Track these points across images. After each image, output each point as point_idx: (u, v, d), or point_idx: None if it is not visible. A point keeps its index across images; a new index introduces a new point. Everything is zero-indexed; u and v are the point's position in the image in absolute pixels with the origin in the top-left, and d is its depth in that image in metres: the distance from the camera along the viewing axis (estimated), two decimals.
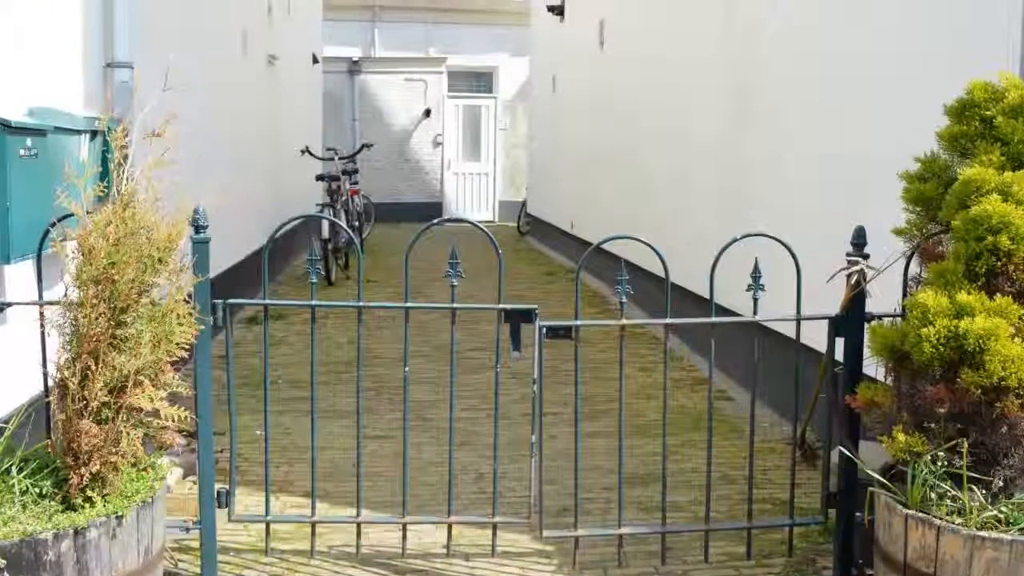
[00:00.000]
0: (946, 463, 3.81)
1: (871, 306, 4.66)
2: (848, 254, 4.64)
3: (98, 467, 3.79)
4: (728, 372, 8.09)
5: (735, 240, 4.69)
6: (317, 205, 14.19)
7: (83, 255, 3.88)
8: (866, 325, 4.56)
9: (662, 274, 4.77)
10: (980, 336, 3.69)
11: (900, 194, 4.41)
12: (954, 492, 3.79)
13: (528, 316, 4.78)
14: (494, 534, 4.96)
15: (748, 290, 4.77)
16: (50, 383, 4.11)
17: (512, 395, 6.89)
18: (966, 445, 3.78)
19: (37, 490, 3.81)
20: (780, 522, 5.17)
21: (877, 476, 4.04)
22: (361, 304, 4.88)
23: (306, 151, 15.21)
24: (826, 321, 4.79)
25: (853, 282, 4.62)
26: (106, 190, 4.18)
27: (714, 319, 4.85)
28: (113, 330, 3.84)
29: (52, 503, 3.78)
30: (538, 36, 19.00)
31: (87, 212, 3.96)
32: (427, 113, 24.00)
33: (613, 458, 5.05)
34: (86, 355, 3.80)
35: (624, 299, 4.78)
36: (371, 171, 21.87)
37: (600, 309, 11.47)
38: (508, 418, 5.30)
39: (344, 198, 14.43)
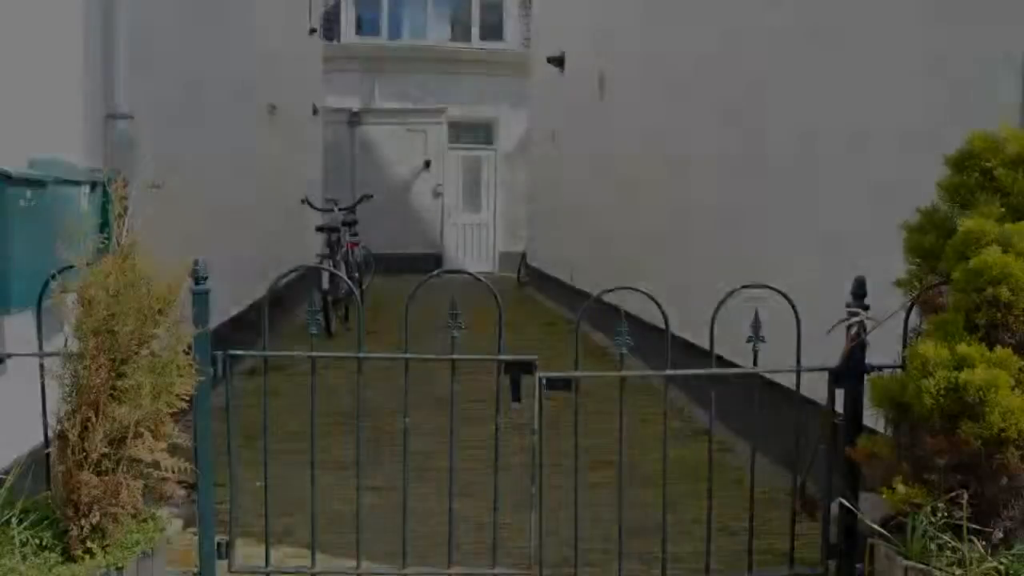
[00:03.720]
0: (946, 514, 3.80)
1: (871, 357, 4.66)
2: (848, 305, 4.65)
3: (98, 518, 3.78)
4: (728, 423, 8.05)
5: (734, 291, 4.70)
6: (317, 256, 14.20)
7: (83, 306, 3.89)
8: (866, 376, 4.56)
9: (662, 325, 4.77)
10: (980, 388, 3.69)
11: (901, 245, 4.42)
12: (954, 543, 3.78)
13: (528, 367, 4.78)
14: None
15: (748, 342, 4.77)
16: (50, 434, 4.11)
17: (512, 446, 6.86)
18: (966, 496, 3.77)
19: (37, 541, 3.81)
20: (780, 573, 5.13)
21: (877, 527, 4.03)
22: (361, 355, 4.88)
23: (306, 202, 15.25)
24: (826, 372, 4.79)
25: (853, 333, 4.62)
26: (106, 241, 4.20)
27: (714, 371, 4.85)
28: (113, 381, 3.84)
29: (52, 554, 3.78)
30: (538, 88, 19.10)
31: (87, 263, 3.97)
32: (427, 164, 24.08)
33: (613, 509, 5.03)
34: (86, 406, 3.80)
35: (624, 351, 4.78)
36: (371, 222, 21.93)
37: (600, 360, 11.44)
38: (508, 469, 5.28)
39: (344, 249, 14.44)
